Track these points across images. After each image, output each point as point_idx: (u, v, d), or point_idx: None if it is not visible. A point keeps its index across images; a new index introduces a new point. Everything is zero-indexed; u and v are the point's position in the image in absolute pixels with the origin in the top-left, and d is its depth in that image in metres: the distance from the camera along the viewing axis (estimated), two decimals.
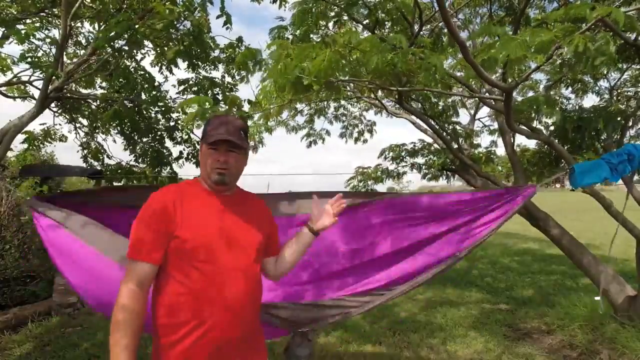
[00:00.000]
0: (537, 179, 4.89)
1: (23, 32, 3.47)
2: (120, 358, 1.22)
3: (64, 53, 4.54)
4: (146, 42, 4.61)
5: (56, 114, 5.58)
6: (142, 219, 1.36)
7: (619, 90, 5.06)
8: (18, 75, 4.88)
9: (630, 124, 4.52)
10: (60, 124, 5.70)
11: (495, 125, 6.69)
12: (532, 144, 5.95)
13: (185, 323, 1.31)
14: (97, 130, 5.75)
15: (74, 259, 1.90)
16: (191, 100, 2.53)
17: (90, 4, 4.42)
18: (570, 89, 5.06)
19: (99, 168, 5.75)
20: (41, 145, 5.49)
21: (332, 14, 3.93)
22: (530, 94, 5.87)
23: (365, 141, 7.77)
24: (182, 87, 4.52)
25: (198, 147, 5.82)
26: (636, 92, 5.10)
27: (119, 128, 5.29)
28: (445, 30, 4.06)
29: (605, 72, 4.91)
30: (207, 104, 2.35)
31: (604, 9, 1.91)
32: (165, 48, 4.43)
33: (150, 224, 1.34)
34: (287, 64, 2.14)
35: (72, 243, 1.89)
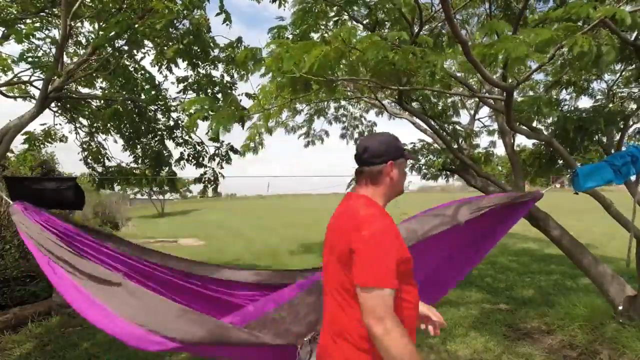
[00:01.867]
0: (532, 179, 4.90)
1: (23, 32, 3.47)
2: None
3: (64, 53, 4.54)
4: (146, 42, 4.61)
5: (56, 114, 5.58)
6: (389, 249, 1.29)
7: (613, 91, 5.06)
8: (18, 75, 4.87)
9: (631, 123, 4.53)
10: (60, 124, 5.70)
11: (495, 126, 6.69)
12: (529, 144, 5.96)
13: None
14: (97, 131, 5.74)
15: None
16: (193, 102, 2.53)
17: (90, 4, 4.42)
18: (566, 90, 5.07)
19: (99, 170, 5.76)
20: (41, 146, 5.49)
21: (332, 13, 3.93)
22: (530, 94, 5.87)
23: None
24: (181, 86, 4.52)
25: (198, 148, 5.83)
26: (629, 93, 5.10)
27: (119, 128, 5.29)
28: (445, 31, 4.07)
29: (599, 73, 4.92)
30: (208, 104, 2.34)
31: (608, 9, 1.90)
32: (165, 47, 4.43)
33: (392, 252, 1.28)
34: (284, 58, 2.13)
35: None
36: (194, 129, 5.54)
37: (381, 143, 1.47)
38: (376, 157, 1.44)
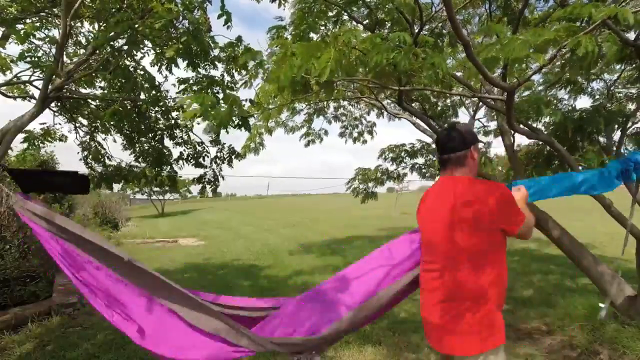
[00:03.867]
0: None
1: (23, 32, 3.47)
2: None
3: (64, 53, 4.54)
4: (146, 42, 4.61)
5: (56, 114, 5.58)
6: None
7: (612, 91, 5.07)
8: (18, 75, 4.87)
9: (630, 124, 4.53)
10: (60, 124, 5.70)
11: (492, 126, 6.69)
12: (526, 143, 5.96)
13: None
14: (96, 130, 5.74)
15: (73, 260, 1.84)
16: (192, 99, 2.53)
17: (90, 4, 4.42)
18: (565, 90, 5.08)
19: (99, 169, 5.76)
20: (41, 145, 5.49)
21: (332, 13, 3.93)
22: (526, 93, 5.87)
23: (364, 142, 7.77)
24: (182, 87, 4.51)
25: (199, 148, 5.83)
26: (627, 94, 5.11)
27: (119, 128, 5.29)
28: (445, 31, 4.07)
29: (598, 73, 4.93)
30: (208, 102, 2.33)
31: (610, 9, 1.89)
32: (165, 47, 4.43)
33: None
34: (291, 64, 2.12)
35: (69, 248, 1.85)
36: (191, 123, 5.54)
37: (466, 132, 1.76)
38: (463, 144, 1.71)
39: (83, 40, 5.52)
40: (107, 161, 5.85)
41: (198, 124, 4.69)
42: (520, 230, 1.64)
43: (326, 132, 7.66)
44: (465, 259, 1.59)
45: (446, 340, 1.62)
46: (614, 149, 4.33)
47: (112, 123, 5.17)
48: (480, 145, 1.85)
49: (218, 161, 5.76)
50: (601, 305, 2.89)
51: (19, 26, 3.99)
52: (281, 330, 1.83)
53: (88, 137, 5.83)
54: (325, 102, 6.92)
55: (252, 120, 3.99)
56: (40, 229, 1.88)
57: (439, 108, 5.70)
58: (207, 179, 5.75)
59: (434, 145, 5.58)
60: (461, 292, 1.59)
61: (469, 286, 1.57)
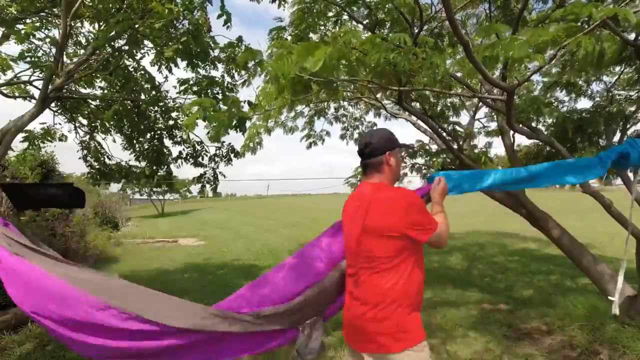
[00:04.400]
0: None
1: (23, 32, 3.47)
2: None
3: (64, 53, 4.54)
4: (146, 42, 4.61)
5: (56, 114, 5.58)
6: (424, 204, 1.73)
7: (612, 93, 5.06)
8: (18, 75, 4.87)
9: (629, 125, 4.53)
10: (60, 124, 5.71)
11: (493, 126, 6.69)
12: (526, 143, 5.97)
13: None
14: (96, 130, 5.75)
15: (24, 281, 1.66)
16: (194, 102, 2.53)
17: (90, 4, 4.42)
18: (565, 91, 5.07)
19: (97, 167, 5.76)
20: (41, 145, 5.49)
21: (332, 13, 3.93)
22: (525, 92, 5.87)
23: None
24: (182, 87, 4.52)
25: (198, 147, 5.84)
26: (627, 96, 5.10)
27: (119, 127, 5.30)
28: (444, 31, 4.07)
29: (598, 75, 4.92)
30: (209, 105, 2.33)
31: (610, 9, 1.89)
32: (165, 47, 4.43)
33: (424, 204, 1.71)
34: (287, 61, 2.13)
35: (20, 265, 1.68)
36: (193, 128, 5.55)
37: (380, 138, 1.77)
38: (377, 150, 1.73)
39: (83, 40, 5.53)
40: (106, 160, 5.85)
41: (197, 125, 4.67)
42: (432, 239, 1.64)
43: (328, 134, 7.65)
44: (373, 264, 1.63)
45: (361, 342, 1.67)
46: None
47: (112, 123, 5.18)
48: (400, 150, 1.85)
49: (217, 159, 5.76)
50: (611, 298, 2.88)
51: (19, 26, 4.00)
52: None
53: (87, 136, 5.84)
54: (325, 103, 6.92)
55: (248, 121, 3.99)
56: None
57: (439, 108, 5.69)
58: (206, 178, 5.75)
59: (433, 146, 5.59)
60: (372, 295, 1.63)
61: (378, 290, 1.61)
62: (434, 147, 5.47)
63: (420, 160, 5.75)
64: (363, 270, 1.67)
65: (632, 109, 4.76)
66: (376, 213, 1.63)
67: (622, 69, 4.68)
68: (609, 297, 3.14)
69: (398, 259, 1.61)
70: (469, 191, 2.03)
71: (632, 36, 3.02)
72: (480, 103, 5.79)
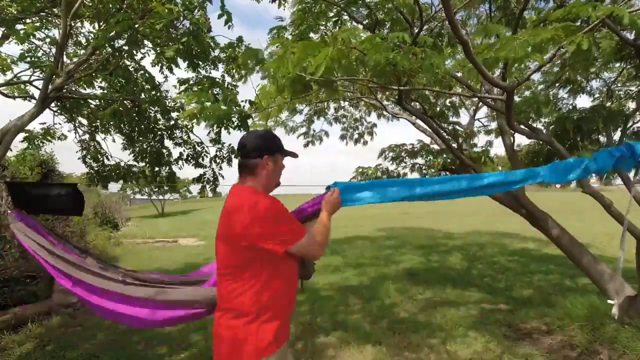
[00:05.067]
0: None
1: (23, 32, 3.47)
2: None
3: (64, 53, 4.54)
4: (146, 42, 4.61)
5: (56, 114, 5.58)
6: (288, 213, 1.62)
7: (612, 90, 5.07)
8: (18, 75, 4.88)
9: (630, 124, 4.53)
10: (59, 124, 5.71)
11: (493, 126, 6.69)
12: (527, 143, 5.97)
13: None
14: (96, 130, 5.75)
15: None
16: (192, 95, 2.53)
17: (90, 4, 4.42)
18: (564, 89, 5.07)
19: (96, 167, 5.76)
20: (40, 144, 5.49)
21: (332, 13, 3.93)
22: (527, 93, 5.87)
23: (365, 143, 7.76)
24: (182, 87, 4.52)
25: (198, 148, 5.84)
26: (627, 92, 5.11)
27: (119, 127, 5.30)
28: (444, 31, 4.07)
29: (598, 72, 4.92)
30: (206, 100, 2.34)
31: (607, 8, 1.90)
32: (165, 47, 4.43)
33: (287, 215, 1.60)
34: (287, 62, 2.13)
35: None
36: (190, 124, 5.55)
37: (257, 139, 1.67)
38: (253, 152, 1.63)
39: (83, 40, 5.53)
40: (106, 161, 5.85)
41: (197, 124, 4.68)
42: (292, 250, 1.54)
43: (327, 134, 7.65)
44: (227, 272, 1.57)
45: (217, 349, 1.61)
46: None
47: (112, 123, 5.18)
48: (282, 156, 1.74)
49: (217, 160, 5.76)
50: (610, 301, 2.88)
51: (19, 26, 4.00)
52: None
53: (87, 136, 5.84)
54: (325, 103, 6.92)
55: (250, 121, 3.99)
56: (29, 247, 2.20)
57: (439, 108, 5.69)
58: (206, 179, 5.75)
59: (434, 146, 5.59)
60: (225, 303, 1.58)
61: (230, 299, 1.56)
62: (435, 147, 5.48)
63: (420, 160, 5.76)
64: (220, 277, 1.61)
65: (633, 106, 4.77)
66: (226, 220, 1.56)
67: (622, 66, 4.68)
68: (608, 301, 3.15)
69: (252, 268, 1.53)
70: (367, 203, 1.89)
71: (632, 36, 3.02)
72: (481, 103, 5.80)
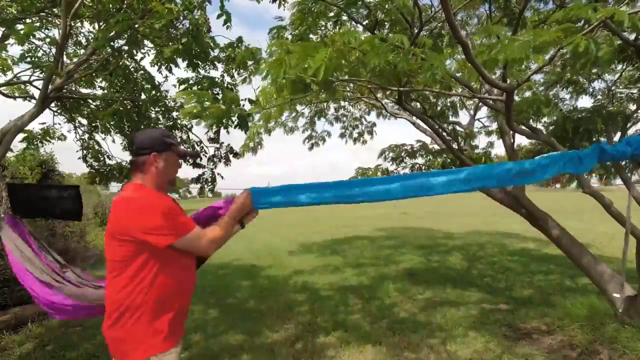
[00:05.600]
0: None
1: (23, 32, 3.47)
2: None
3: (64, 53, 4.54)
4: (146, 42, 4.61)
5: (56, 114, 5.58)
6: (173, 208, 1.60)
7: (613, 91, 5.07)
8: (18, 75, 4.88)
9: (630, 124, 4.53)
10: (59, 124, 5.71)
11: (493, 126, 6.69)
12: (528, 143, 5.97)
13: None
14: (96, 130, 5.75)
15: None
16: (191, 94, 2.53)
17: (90, 4, 4.42)
18: (566, 90, 5.08)
19: (96, 166, 5.76)
20: (40, 144, 5.49)
21: (332, 14, 3.93)
22: (527, 94, 5.87)
23: (364, 142, 7.78)
24: (182, 87, 4.52)
25: (197, 148, 5.84)
26: (628, 94, 5.10)
27: (119, 127, 5.30)
28: (444, 32, 4.07)
29: (600, 73, 4.92)
30: (205, 99, 2.34)
31: (607, 10, 1.90)
32: (165, 47, 4.44)
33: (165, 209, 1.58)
34: (286, 60, 2.13)
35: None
36: (190, 123, 5.55)
37: (147, 137, 1.69)
38: (142, 149, 1.66)
39: (83, 40, 5.53)
40: (106, 160, 5.85)
41: (197, 124, 4.69)
42: (177, 244, 1.56)
43: (329, 134, 7.67)
44: (113, 268, 1.58)
45: (110, 346, 1.60)
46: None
47: (112, 123, 5.17)
48: (175, 155, 1.76)
49: (215, 159, 5.76)
50: (615, 295, 2.87)
51: (19, 26, 3.99)
52: None
53: (87, 136, 5.84)
54: (325, 103, 6.93)
55: (250, 121, 4.00)
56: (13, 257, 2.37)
57: (439, 108, 5.69)
58: (205, 179, 5.75)
59: (435, 146, 5.58)
60: (109, 301, 1.58)
61: (115, 295, 1.56)
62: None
63: (420, 160, 5.76)
64: (108, 274, 1.61)
65: (633, 107, 4.77)
66: (114, 215, 1.58)
67: (623, 67, 4.68)
68: (613, 295, 3.13)
69: (134, 263, 1.53)
70: (283, 207, 1.88)
71: (632, 36, 3.02)
72: (481, 103, 5.79)
